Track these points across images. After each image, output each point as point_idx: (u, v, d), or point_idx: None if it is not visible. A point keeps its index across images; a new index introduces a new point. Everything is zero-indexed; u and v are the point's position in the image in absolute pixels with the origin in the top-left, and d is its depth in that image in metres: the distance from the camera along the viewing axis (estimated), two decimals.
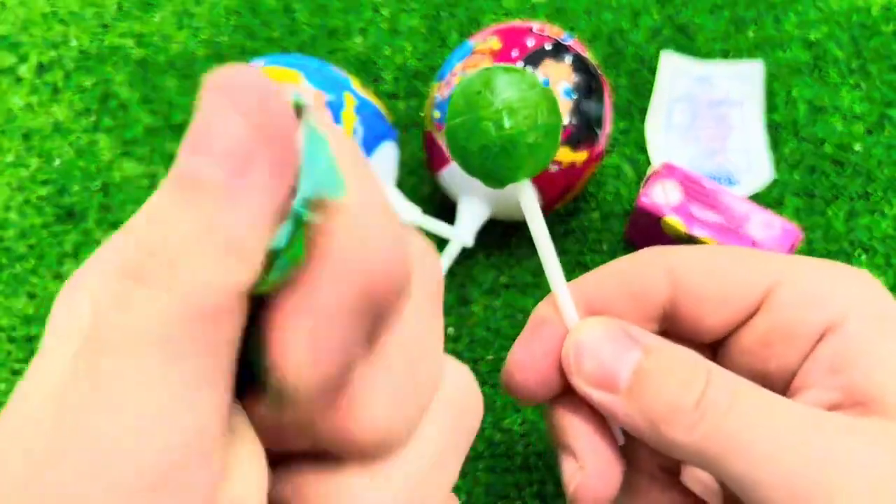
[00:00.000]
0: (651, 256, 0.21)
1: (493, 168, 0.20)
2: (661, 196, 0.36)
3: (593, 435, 0.20)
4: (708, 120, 0.43)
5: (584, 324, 0.20)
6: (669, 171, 0.36)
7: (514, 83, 0.19)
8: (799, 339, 0.18)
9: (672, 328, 0.20)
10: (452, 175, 0.36)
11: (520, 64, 0.34)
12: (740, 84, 0.44)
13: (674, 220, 0.35)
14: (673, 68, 0.45)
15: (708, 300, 0.19)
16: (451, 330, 0.37)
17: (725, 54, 0.46)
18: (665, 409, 0.17)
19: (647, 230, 0.37)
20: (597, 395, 0.18)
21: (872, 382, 0.17)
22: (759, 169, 0.41)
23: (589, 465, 0.19)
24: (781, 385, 0.19)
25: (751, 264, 0.20)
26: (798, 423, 0.17)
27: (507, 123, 0.19)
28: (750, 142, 0.42)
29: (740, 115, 0.43)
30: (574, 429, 0.20)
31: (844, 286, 0.18)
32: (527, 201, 0.21)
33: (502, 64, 0.24)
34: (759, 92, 0.43)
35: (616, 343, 0.19)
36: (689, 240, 0.35)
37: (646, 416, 0.18)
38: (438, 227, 0.35)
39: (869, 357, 0.18)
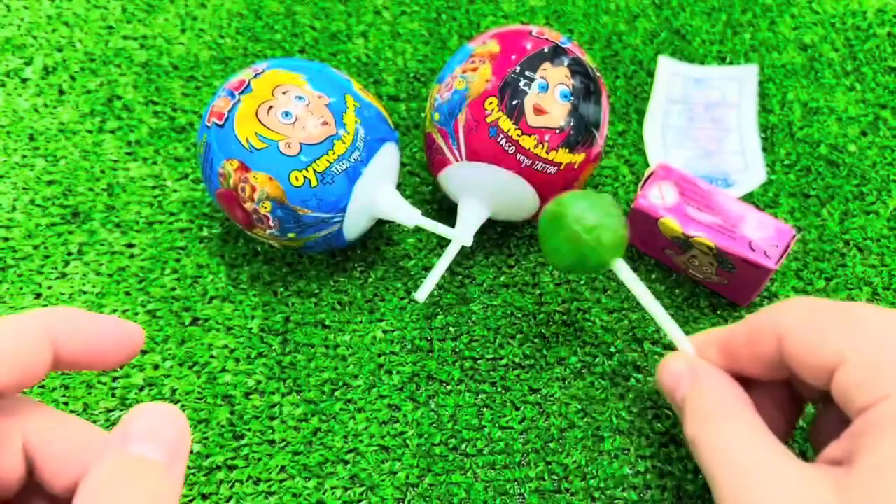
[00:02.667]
0: (765, 319, 0.27)
1: (587, 264, 0.31)
2: (658, 197, 0.36)
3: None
4: (704, 122, 0.43)
5: (673, 356, 0.30)
6: (666, 172, 0.37)
7: (592, 206, 0.31)
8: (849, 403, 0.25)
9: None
10: (452, 176, 0.36)
11: (518, 67, 0.34)
12: (736, 87, 0.45)
13: (670, 221, 0.36)
14: (669, 71, 0.45)
15: (799, 359, 0.26)
16: (451, 329, 0.37)
17: (722, 57, 0.46)
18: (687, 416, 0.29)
19: (644, 231, 0.37)
20: (669, 397, 0.30)
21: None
22: (754, 170, 0.41)
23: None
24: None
25: (827, 334, 0.25)
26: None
27: (590, 235, 0.30)
28: (745, 143, 0.42)
29: (736, 117, 0.43)
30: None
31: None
32: (625, 274, 0.32)
33: (580, 192, 0.32)
34: (753, 94, 0.44)
35: (682, 373, 0.29)
36: (686, 240, 0.36)
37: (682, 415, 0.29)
38: (438, 227, 0.35)
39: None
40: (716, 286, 0.37)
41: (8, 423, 0.21)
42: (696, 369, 0.29)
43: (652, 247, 0.38)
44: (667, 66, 0.45)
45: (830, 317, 0.26)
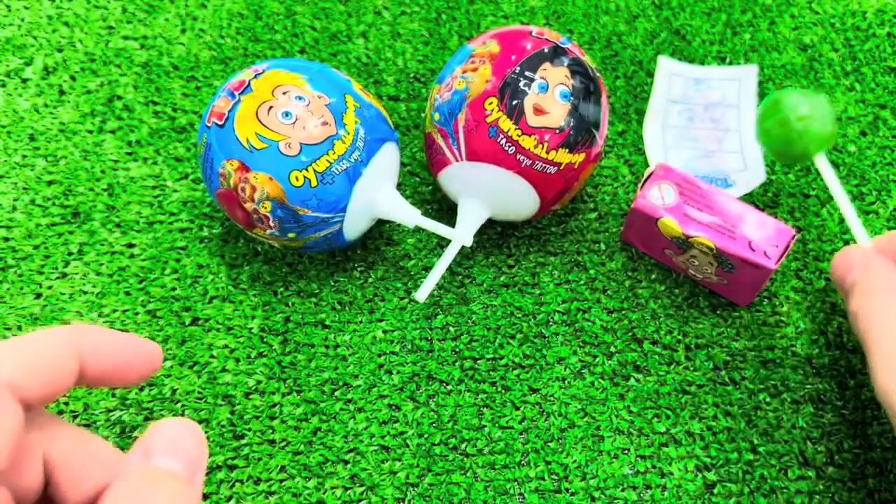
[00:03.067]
0: None
1: (791, 151, 0.35)
2: (658, 198, 0.36)
3: None
4: (704, 122, 0.43)
5: (848, 247, 0.33)
6: (666, 173, 0.37)
7: (809, 100, 0.34)
8: None
9: None
10: (452, 176, 0.36)
11: (518, 67, 0.34)
12: (735, 87, 0.45)
13: (670, 221, 0.36)
14: (669, 71, 0.45)
15: None
16: (451, 329, 0.37)
17: (722, 57, 0.46)
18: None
19: (644, 231, 0.37)
20: (839, 283, 0.32)
21: None
22: (754, 170, 0.41)
23: None
24: None
25: None
26: None
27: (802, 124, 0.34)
28: (745, 143, 0.42)
29: (736, 117, 0.43)
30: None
31: None
32: (824, 168, 0.35)
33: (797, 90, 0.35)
34: (753, 94, 0.44)
35: (855, 260, 0.32)
36: (686, 240, 0.36)
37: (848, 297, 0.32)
38: (438, 227, 0.35)
39: None
40: (715, 286, 0.37)
41: (33, 437, 0.22)
42: (870, 257, 0.31)
43: (652, 247, 0.38)
44: (666, 67, 0.45)
45: None
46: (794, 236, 0.35)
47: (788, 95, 0.35)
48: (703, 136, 0.43)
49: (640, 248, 0.39)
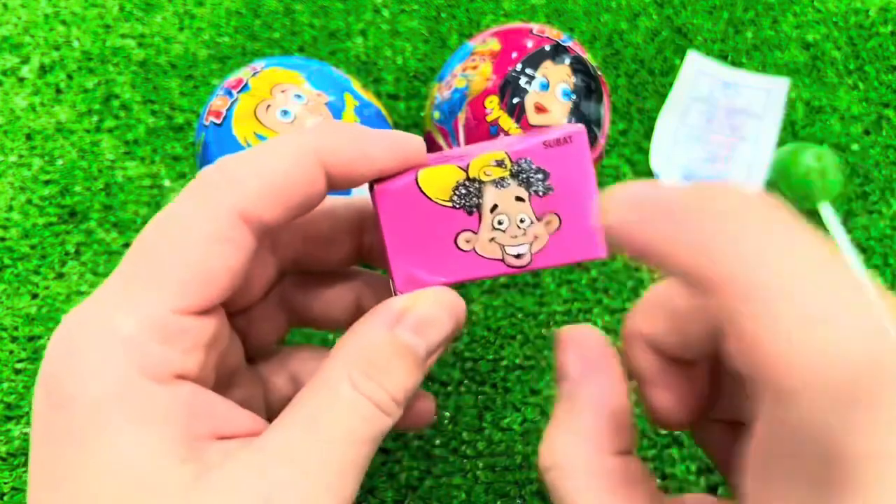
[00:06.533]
0: None
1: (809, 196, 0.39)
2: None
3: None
4: (723, 126, 0.43)
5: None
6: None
7: (819, 156, 0.39)
8: None
9: None
10: None
11: (519, 65, 0.34)
12: (763, 97, 0.44)
13: (434, 171, 0.31)
14: (696, 69, 0.45)
15: None
16: None
17: (724, 56, 0.46)
18: None
19: (410, 227, 0.28)
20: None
21: None
22: (753, 183, 0.41)
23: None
24: None
25: None
26: None
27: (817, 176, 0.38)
28: (756, 156, 0.42)
29: (757, 128, 0.43)
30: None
31: None
32: (828, 214, 0.38)
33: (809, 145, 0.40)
34: (779, 109, 0.43)
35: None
36: (470, 182, 0.25)
37: None
38: None
39: None
40: (555, 251, 0.22)
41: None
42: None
43: (437, 252, 0.22)
44: (695, 63, 0.45)
45: None
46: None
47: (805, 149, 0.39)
48: (717, 140, 0.42)
49: (425, 274, 0.22)
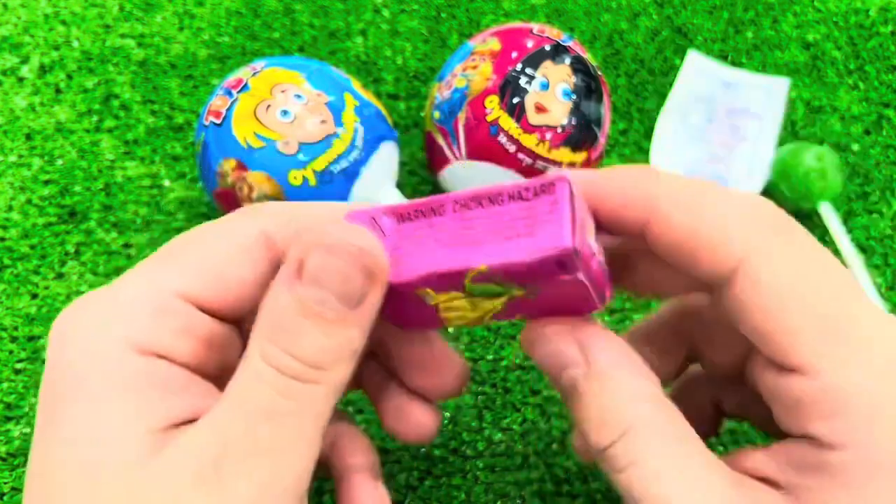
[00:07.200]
0: None
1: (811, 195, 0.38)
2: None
3: None
4: (723, 126, 0.43)
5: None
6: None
7: (820, 156, 0.38)
8: None
9: None
10: (452, 175, 0.36)
11: (519, 65, 0.34)
12: (763, 96, 0.44)
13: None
14: (696, 68, 0.45)
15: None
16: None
17: (724, 56, 0.46)
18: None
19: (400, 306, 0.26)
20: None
21: None
22: (753, 182, 0.41)
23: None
24: None
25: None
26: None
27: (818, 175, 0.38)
28: (756, 156, 0.42)
29: (756, 128, 0.43)
30: None
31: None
32: (828, 214, 0.38)
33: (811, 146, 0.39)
34: (779, 109, 0.43)
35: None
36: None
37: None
38: None
39: None
40: (534, 307, 0.21)
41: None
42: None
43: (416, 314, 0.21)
44: (695, 63, 0.45)
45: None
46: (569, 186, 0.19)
47: (808, 148, 0.39)
48: (717, 140, 0.42)
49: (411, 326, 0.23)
